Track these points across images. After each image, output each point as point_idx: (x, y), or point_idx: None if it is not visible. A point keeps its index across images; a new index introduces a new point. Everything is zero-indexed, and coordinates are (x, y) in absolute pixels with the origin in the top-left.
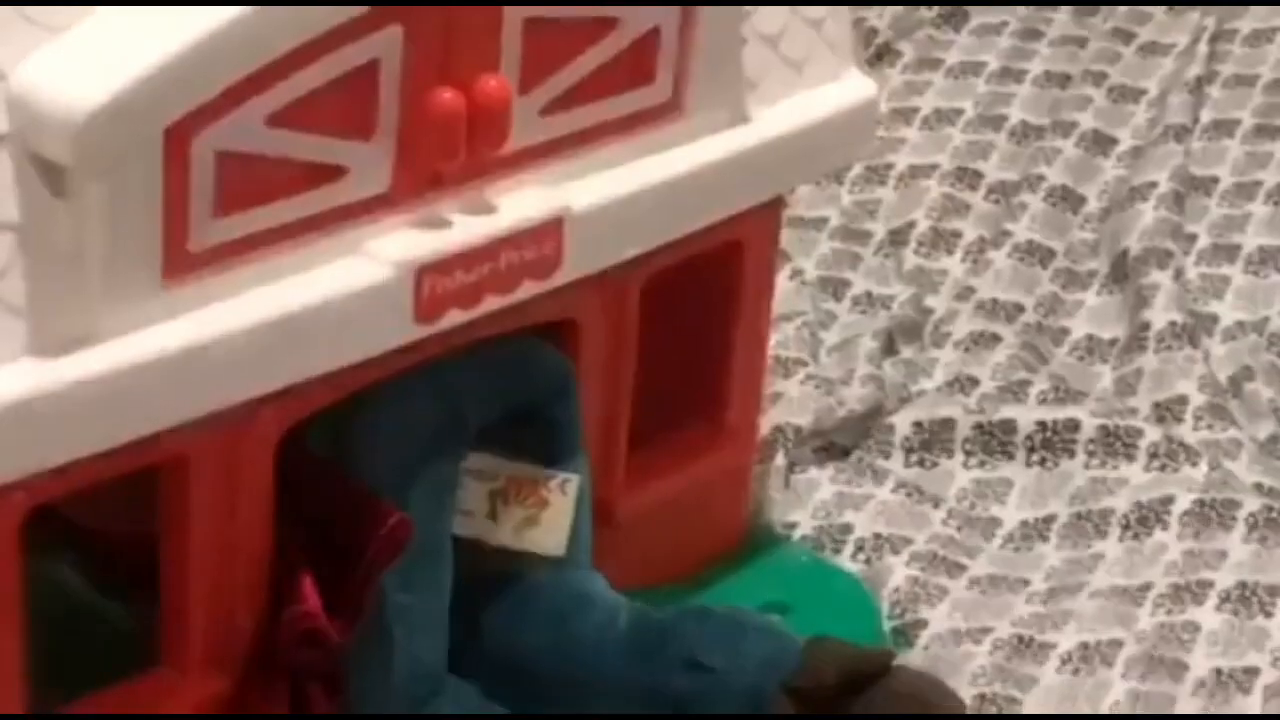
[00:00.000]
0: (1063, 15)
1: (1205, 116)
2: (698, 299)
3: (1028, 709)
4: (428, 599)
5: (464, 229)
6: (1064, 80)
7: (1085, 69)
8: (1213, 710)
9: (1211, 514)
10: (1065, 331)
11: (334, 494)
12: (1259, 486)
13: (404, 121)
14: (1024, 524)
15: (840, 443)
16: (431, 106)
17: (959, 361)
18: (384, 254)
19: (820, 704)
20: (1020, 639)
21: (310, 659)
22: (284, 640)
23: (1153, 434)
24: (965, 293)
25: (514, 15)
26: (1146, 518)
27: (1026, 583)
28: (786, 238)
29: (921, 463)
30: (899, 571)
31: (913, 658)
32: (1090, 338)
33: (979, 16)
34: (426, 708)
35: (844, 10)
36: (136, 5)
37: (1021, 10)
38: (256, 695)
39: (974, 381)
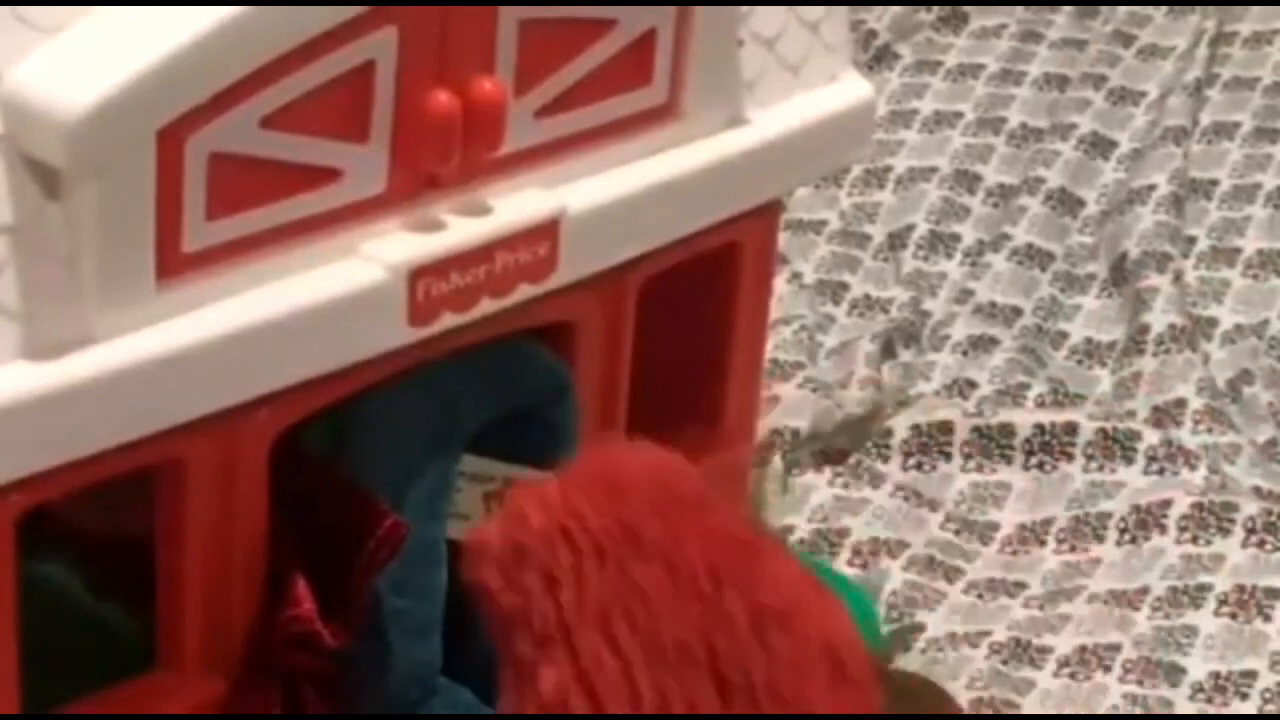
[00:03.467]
0: (1062, 18)
1: (1205, 119)
2: (695, 301)
3: (1025, 712)
4: (422, 602)
5: (459, 231)
6: (1063, 83)
7: (1084, 71)
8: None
9: (1210, 518)
10: (1064, 335)
11: (329, 497)
12: (1258, 490)
13: (399, 123)
14: (1022, 528)
15: (838, 446)
16: (427, 108)
17: (957, 365)
18: (378, 256)
19: None
20: (1018, 643)
21: (304, 662)
22: (278, 643)
23: (1151, 437)
24: (964, 296)
25: (509, 17)
26: (1145, 521)
27: (1024, 586)
28: (785, 241)
29: (919, 466)
30: (896, 575)
31: (910, 662)
32: (1089, 341)
33: (978, 19)
34: (421, 710)
35: (841, 12)
36: (130, 6)
37: (1021, 12)
38: (251, 697)
39: (972, 385)
